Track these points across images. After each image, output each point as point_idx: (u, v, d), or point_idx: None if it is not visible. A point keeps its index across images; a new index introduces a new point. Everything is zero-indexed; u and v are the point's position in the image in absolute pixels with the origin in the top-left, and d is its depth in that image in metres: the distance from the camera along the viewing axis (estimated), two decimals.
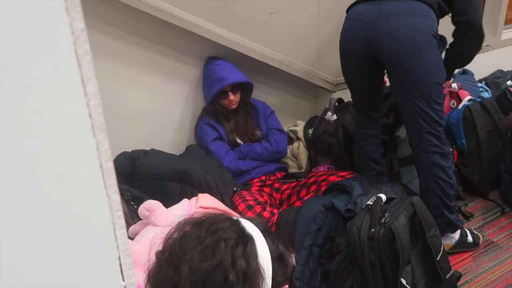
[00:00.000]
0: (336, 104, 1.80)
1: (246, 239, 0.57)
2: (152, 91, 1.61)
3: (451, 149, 1.42)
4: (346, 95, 1.74)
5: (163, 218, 0.98)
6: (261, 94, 1.83)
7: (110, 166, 0.29)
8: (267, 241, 0.59)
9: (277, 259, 0.59)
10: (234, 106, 1.63)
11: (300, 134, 1.87)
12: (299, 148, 1.85)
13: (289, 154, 1.86)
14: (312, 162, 1.80)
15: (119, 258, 0.31)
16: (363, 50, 1.26)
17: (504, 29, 2.15)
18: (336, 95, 1.90)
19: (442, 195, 1.29)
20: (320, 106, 1.98)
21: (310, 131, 1.82)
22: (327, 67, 1.84)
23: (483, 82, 2.09)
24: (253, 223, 0.61)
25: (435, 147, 1.26)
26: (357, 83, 1.41)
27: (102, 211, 0.30)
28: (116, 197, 0.30)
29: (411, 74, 1.20)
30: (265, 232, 0.61)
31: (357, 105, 1.48)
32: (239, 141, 1.69)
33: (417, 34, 1.16)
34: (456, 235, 1.40)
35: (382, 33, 1.19)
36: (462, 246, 1.41)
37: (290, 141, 1.90)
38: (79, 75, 0.26)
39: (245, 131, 1.68)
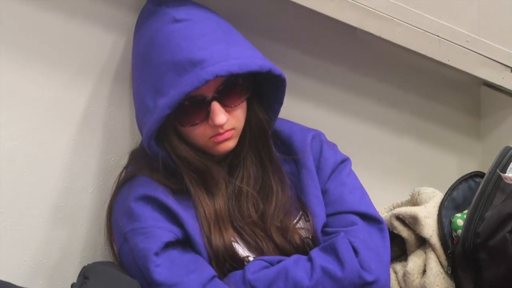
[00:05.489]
0: None
1: None
2: None
3: None
4: None
5: None
6: (310, 109, 2.03)
7: None
8: None
9: None
10: (230, 146, 1.70)
11: (430, 228, 1.87)
12: (428, 273, 1.85)
13: None
14: None
15: None
16: None
17: None
18: None
19: None
20: (486, 142, 2.20)
21: (460, 220, 1.86)
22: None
23: None
24: None
25: None
26: None
27: None
28: None
29: None
30: None
31: None
32: (242, 251, 1.71)
33: None
34: None
35: None
36: None
37: (399, 248, 1.96)
38: None
39: (261, 218, 1.72)
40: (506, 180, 1.72)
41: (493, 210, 1.76)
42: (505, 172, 1.75)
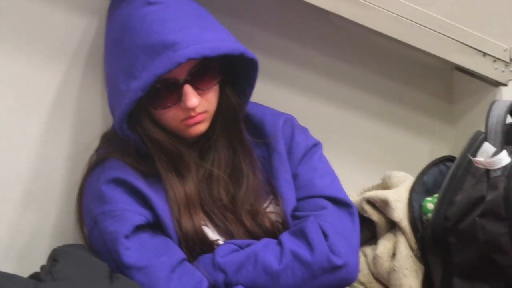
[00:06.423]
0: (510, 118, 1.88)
1: None
2: None
3: None
4: None
5: None
6: (283, 93, 2.05)
7: None
8: None
9: None
10: (201, 129, 1.71)
11: (401, 212, 1.89)
12: (398, 256, 1.87)
13: (365, 274, 1.91)
14: None
15: None
16: None
17: None
18: (509, 92, 2.08)
19: None
20: (459, 127, 2.21)
21: (431, 203, 1.88)
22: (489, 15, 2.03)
23: None
24: None
25: None
26: None
27: None
28: None
29: None
30: None
31: None
32: (212, 234, 1.72)
33: None
34: None
35: None
36: None
37: (369, 232, 1.98)
38: None
39: (232, 201, 1.74)
40: (477, 164, 1.72)
41: (463, 194, 1.78)
42: (475, 156, 1.76)
